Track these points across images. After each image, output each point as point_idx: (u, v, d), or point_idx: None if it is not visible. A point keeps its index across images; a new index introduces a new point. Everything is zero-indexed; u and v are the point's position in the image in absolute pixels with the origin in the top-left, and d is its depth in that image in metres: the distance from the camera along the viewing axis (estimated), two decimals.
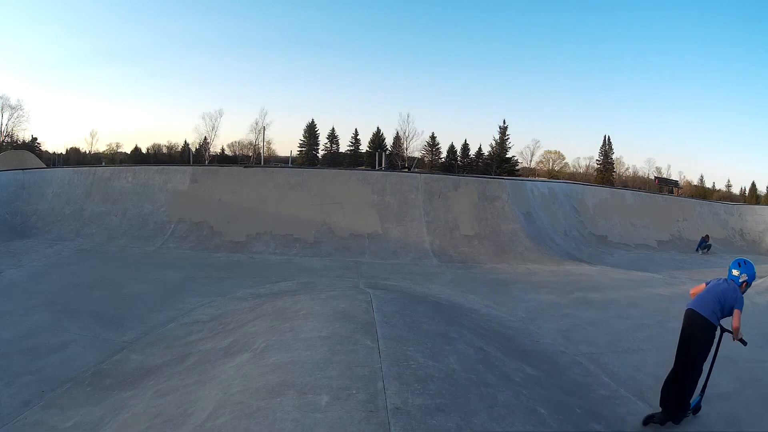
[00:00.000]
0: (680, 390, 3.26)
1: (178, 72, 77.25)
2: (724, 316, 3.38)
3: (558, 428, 2.63)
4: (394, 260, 8.64)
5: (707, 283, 3.64)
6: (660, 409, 3.26)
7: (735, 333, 3.24)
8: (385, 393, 2.44)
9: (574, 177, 61.58)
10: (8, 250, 8.13)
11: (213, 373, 3.13)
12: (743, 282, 3.53)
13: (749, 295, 6.78)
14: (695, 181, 66.03)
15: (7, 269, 6.83)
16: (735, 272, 3.56)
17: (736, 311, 3.31)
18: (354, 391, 2.44)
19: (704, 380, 3.35)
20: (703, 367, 3.31)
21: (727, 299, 3.38)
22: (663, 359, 4.29)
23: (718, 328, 3.37)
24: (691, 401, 3.33)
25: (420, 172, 15.62)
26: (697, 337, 3.31)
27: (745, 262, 3.58)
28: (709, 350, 3.31)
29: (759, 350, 4.60)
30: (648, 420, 3.20)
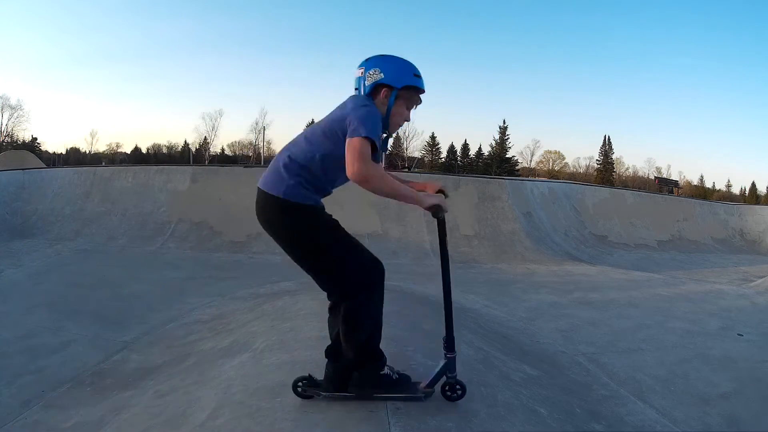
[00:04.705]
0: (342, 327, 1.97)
1: (178, 72, 77.59)
2: (335, 169, 1.83)
3: (558, 428, 2.62)
4: (394, 260, 8.65)
5: None
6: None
7: (358, 178, 1.67)
8: None
9: (574, 177, 61.65)
10: (8, 250, 8.13)
11: (213, 373, 3.13)
12: (378, 86, 1.92)
13: (749, 296, 6.79)
14: (695, 181, 66.15)
15: (7, 269, 6.83)
16: (358, 71, 1.98)
17: (348, 143, 1.70)
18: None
19: (445, 334, 2.15)
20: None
21: (332, 125, 1.82)
22: (663, 359, 4.30)
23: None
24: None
25: (420, 172, 15.62)
26: (266, 227, 2.02)
27: (383, 55, 1.95)
28: (318, 248, 1.88)
29: (759, 350, 4.60)
30: (302, 385, 2.12)
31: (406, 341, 3.34)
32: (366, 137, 1.67)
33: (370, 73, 1.92)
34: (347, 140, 1.71)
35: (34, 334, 4.36)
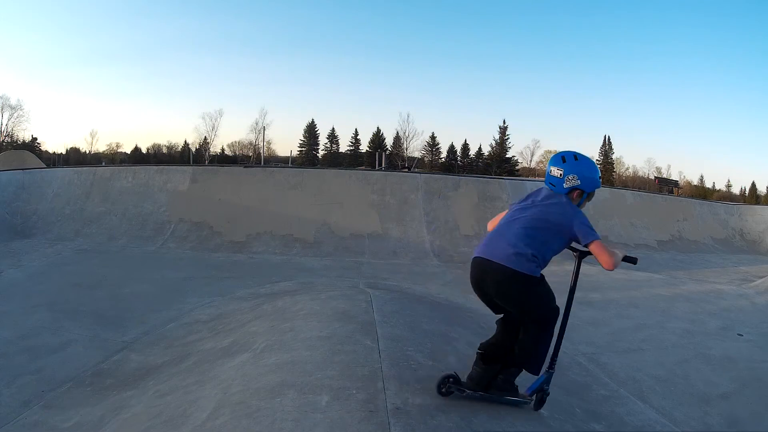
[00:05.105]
0: (518, 348, 2.36)
1: (178, 72, 77.61)
2: (554, 252, 2.37)
3: (558, 428, 2.63)
4: (394, 260, 8.65)
5: (512, 206, 2.49)
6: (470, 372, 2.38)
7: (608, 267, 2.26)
8: (385, 393, 2.44)
9: None
10: (8, 250, 8.13)
11: (213, 373, 3.13)
12: (574, 189, 2.37)
13: (749, 296, 6.79)
14: (695, 181, 66.19)
15: (7, 269, 6.83)
16: (557, 171, 2.36)
17: (594, 247, 2.23)
18: (354, 391, 2.44)
19: (552, 353, 2.51)
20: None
21: (554, 222, 2.29)
22: (663, 359, 4.30)
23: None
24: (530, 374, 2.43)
25: (420, 172, 15.63)
26: (505, 294, 2.31)
27: (576, 156, 2.37)
28: (542, 305, 2.39)
29: (759, 350, 4.60)
30: (444, 384, 2.36)
31: (406, 341, 3.34)
32: (599, 238, 2.26)
33: (569, 178, 2.35)
34: (590, 245, 2.27)
35: (34, 334, 4.36)
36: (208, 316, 4.94)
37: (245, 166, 14.19)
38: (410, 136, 63.06)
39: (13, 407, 3.10)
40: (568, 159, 2.36)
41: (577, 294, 7.42)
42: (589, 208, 10.72)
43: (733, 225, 16.66)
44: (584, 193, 2.39)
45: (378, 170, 19.68)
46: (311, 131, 66.96)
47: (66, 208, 10.52)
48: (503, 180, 12.04)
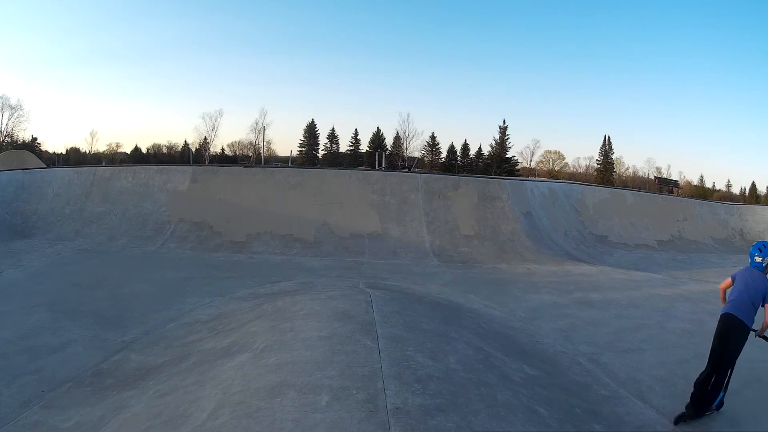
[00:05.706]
0: (711, 388, 3.32)
1: (178, 72, 77.24)
2: (755, 311, 3.37)
3: (558, 428, 2.63)
4: (394, 260, 8.65)
5: (733, 277, 3.53)
6: (686, 408, 3.30)
7: (764, 329, 3.28)
8: (385, 393, 2.44)
9: (574, 177, 61.52)
10: (8, 250, 8.13)
11: (213, 373, 3.13)
12: (767, 267, 3.48)
13: None
14: (695, 181, 66.05)
15: (7, 269, 6.83)
16: (758, 258, 3.49)
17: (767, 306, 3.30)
18: (354, 391, 2.45)
19: (727, 378, 3.38)
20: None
21: (758, 292, 3.34)
22: (663, 359, 4.30)
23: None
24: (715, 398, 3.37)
25: (420, 172, 15.63)
26: (735, 340, 3.31)
27: (765, 245, 3.50)
28: (741, 350, 3.34)
29: (759, 350, 4.59)
30: (679, 420, 3.24)
31: (406, 341, 3.34)
32: None
33: (766, 261, 3.45)
34: (767, 304, 3.30)
35: (34, 334, 4.36)
36: (208, 316, 4.94)
37: (245, 166, 14.22)
38: (410, 136, 62.92)
39: (13, 407, 3.10)
40: (762, 249, 3.49)
41: (577, 294, 7.41)
42: (589, 209, 10.75)
43: (733, 225, 16.67)
44: None
45: (378, 170, 19.69)
46: (311, 131, 66.86)
47: (66, 208, 10.53)
48: (503, 180, 12.04)
